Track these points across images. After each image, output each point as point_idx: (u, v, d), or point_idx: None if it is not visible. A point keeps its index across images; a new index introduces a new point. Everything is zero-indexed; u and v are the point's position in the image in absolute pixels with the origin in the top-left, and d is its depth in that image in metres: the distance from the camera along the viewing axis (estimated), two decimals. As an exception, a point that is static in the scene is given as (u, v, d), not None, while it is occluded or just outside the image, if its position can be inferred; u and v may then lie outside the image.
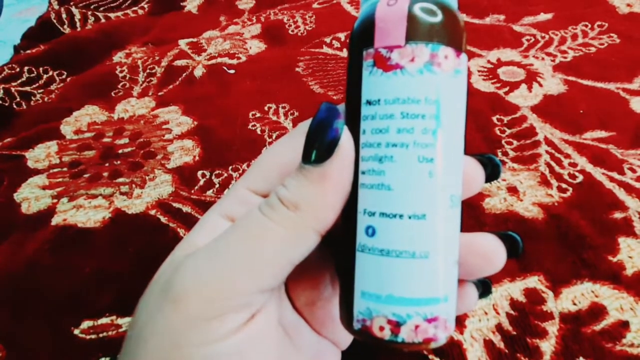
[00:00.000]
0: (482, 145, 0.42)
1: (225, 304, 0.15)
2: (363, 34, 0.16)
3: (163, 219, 0.38)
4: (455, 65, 0.16)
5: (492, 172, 0.18)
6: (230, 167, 0.42)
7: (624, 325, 0.28)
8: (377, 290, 0.15)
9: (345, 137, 0.16)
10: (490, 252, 0.18)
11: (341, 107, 0.18)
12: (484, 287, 0.19)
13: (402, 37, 0.15)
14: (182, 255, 0.17)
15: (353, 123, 0.16)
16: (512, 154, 0.40)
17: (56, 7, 0.74)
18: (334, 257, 0.20)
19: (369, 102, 0.16)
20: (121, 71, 0.58)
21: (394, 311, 0.15)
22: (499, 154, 0.40)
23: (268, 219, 0.16)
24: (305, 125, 0.18)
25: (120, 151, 0.45)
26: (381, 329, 0.15)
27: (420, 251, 0.15)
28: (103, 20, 0.72)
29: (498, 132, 0.43)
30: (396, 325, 0.15)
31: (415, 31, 0.15)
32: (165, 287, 0.16)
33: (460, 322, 0.29)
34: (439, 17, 0.16)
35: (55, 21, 0.71)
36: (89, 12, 0.73)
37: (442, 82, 0.15)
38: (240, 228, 0.16)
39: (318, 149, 0.16)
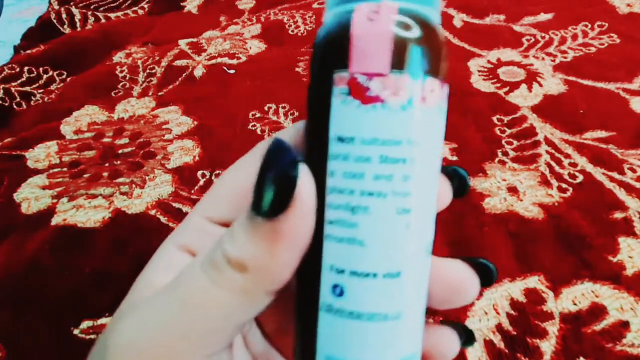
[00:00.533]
0: (482, 145, 0.42)
1: None
2: (334, 51, 0.14)
3: (163, 219, 0.38)
4: (440, 99, 0.14)
5: (459, 186, 0.17)
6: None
7: (624, 325, 0.28)
8: (346, 356, 0.14)
9: (304, 185, 0.13)
10: (461, 283, 0.16)
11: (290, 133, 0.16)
12: (467, 335, 0.17)
13: (387, 64, 0.13)
14: (136, 299, 0.16)
15: (317, 160, 0.14)
16: (512, 154, 0.40)
17: (56, 7, 0.74)
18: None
19: (340, 139, 0.13)
20: (121, 71, 0.58)
21: None
22: (499, 153, 0.40)
23: (211, 283, 0.14)
24: (266, 144, 0.15)
25: (120, 151, 0.45)
26: None
27: (393, 312, 0.14)
28: (103, 20, 0.72)
29: (498, 132, 0.43)
30: None
31: (400, 57, 0.13)
32: (102, 351, 0.14)
33: (460, 322, 0.29)
34: (427, 41, 0.13)
35: (55, 21, 0.71)
36: (89, 12, 0.73)
37: (426, 121, 0.14)
38: (180, 291, 0.14)
39: (269, 199, 0.13)
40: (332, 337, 0.14)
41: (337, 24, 0.14)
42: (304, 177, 0.13)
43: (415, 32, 0.13)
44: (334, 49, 0.14)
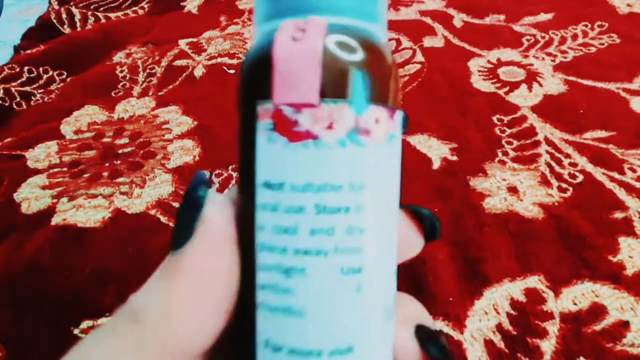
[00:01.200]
0: (482, 145, 0.42)
1: None
2: (256, 79, 0.11)
3: (163, 219, 0.38)
4: (389, 129, 0.11)
5: (432, 228, 0.14)
6: (230, 167, 0.42)
7: (624, 325, 0.28)
8: None
9: (209, 211, 0.11)
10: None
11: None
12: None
13: (315, 92, 0.10)
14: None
15: (247, 212, 0.12)
16: (512, 154, 0.40)
17: (56, 7, 0.74)
18: None
19: (268, 185, 0.11)
20: (121, 71, 0.58)
21: None
22: (499, 153, 0.40)
23: (103, 348, 0.11)
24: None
25: (120, 151, 0.45)
26: None
27: None
28: (103, 20, 0.72)
29: (498, 132, 0.43)
30: None
31: (334, 84, 0.11)
32: None
33: (460, 322, 0.29)
34: (367, 62, 0.11)
35: (55, 21, 0.71)
36: (89, 12, 0.73)
37: (372, 157, 0.11)
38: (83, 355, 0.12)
39: (176, 228, 0.11)
40: None
41: (260, 46, 0.11)
42: (210, 204, 0.11)
43: (351, 50, 0.11)
44: (255, 75, 0.11)
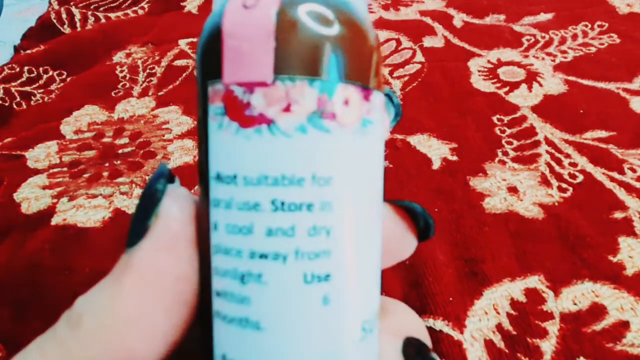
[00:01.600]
0: (482, 145, 0.42)
1: None
2: (206, 57, 0.10)
3: (163, 219, 0.38)
4: (363, 112, 0.10)
5: (425, 226, 0.13)
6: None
7: (624, 325, 0.28)
8: None
9: (165, 206, 0.10)
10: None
11: None
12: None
13: (268, 67, 0.09)
14: None
15: (204, 206, 0.10)
16: (512, 153, 0.40)
17: (56, 7, 0.74)
18: None
19: (220, 178, 0.10)
20: (121, 71, 0.58)
21: None
22: (499, 153, 0.40)
23: (39, 354, 0.10)
24: None
25: (120, 151, 0.45)
26: None
27: None
28: (103, 20, 0.72)
29: (498, 132, 0.43)
30: None
31: (290, 57, 0.09)
32: None
33: (460, 322, 0.29)
34: (334, 31, 0.09)
35: (55, 21, 0.70)
36: (89, 12, 0.73)
37: (340, 146, 0.09)
38: None
39: (131, 223, 0.11)
40: None
41: (211, 19, 0.10)
42: (168, 199, 0.10)
43: (314, 16, 0.09)
44: (206, 52, 0.10)
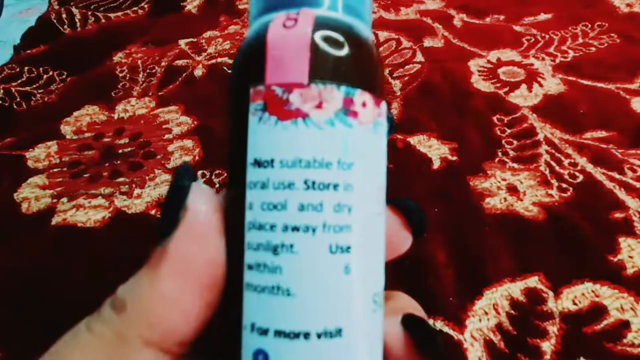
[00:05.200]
0: (482, 145, 0.42)
1: None
2: (249, 64, 0.12)
3: (163, 219, 0.38)
4: (375, 115, 0.12)
5: (420, 222, 0.14)
6: (230, 167, 0.42)
7: (624, 325, 0.28)
8: None
9: (193, 199, 0.12)
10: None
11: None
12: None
13: (305, 73, 0.11)
14: None
15: (237, 192, 0.12)
16: (512, 154, 0.40)
17: (56, 7, 0.74)
18: None
19: (257, 163, 0.11)
20: (121, 71, 0.58)
21: None
22: (499, 153, 0.40)
23: (88, 333, 0.12)
24: None
25: (120, 151, 0.45)
26: None
27: None
28: (103, 20, 0.72)
29: (498, 132, 0.43)
30: None
31: (323, 66, 0.11)
32: None
33: (460, 322, 0.29)
34: (352, 50, 0.12)
35: (55, 21, 0.70)
36: (89, 12, 0.73)
37: (360, 138, 0.12)
38: (64, 349, 0.13)
39: (161, 217, 0.12)
40: None
41: (254, 35, 0.12)
42: (194, 193, 0.12)
43: (338, 38, 0.12)
44: (249, 60, 0.12)
